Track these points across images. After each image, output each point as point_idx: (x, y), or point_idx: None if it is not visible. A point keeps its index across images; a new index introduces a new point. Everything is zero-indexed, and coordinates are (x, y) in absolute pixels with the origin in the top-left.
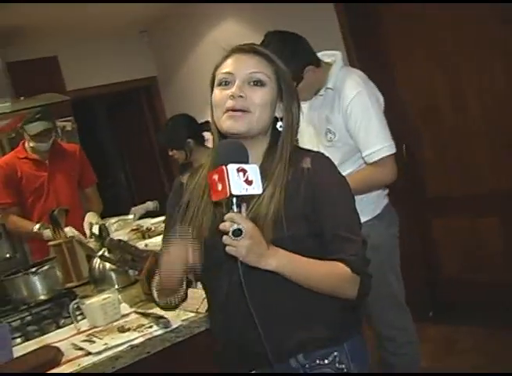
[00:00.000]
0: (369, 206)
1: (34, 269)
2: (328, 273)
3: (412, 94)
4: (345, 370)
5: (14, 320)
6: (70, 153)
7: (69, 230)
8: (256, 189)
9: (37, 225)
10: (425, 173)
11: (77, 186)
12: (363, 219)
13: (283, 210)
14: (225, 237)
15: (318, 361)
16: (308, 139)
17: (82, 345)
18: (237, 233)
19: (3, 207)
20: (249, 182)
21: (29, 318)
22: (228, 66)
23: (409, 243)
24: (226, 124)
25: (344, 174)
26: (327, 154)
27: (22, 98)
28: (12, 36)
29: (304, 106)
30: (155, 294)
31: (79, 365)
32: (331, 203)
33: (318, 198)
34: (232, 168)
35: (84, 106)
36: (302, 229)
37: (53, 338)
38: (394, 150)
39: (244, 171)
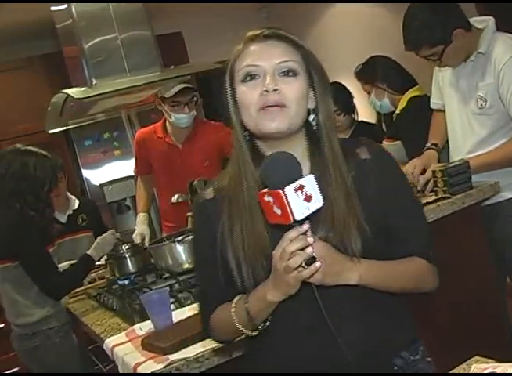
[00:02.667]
0: None
1: (180, 238)
2: (408, 272)
3: None
4: (431, 363)
5: (162, 287)
6: (212, 131)
7: None
8: (318, 202)
9: (176, 196)
10: None
11: (216, 165)
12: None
13: (361, 212)
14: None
15: (412, 358)
16: (456, 107)
17: None
18: (311, 261)
19: (136, 174)
20: (308, 198)
21: (177, 286)
22: (251, 57)
23: None
24: (264, 123)
25: (495, 144)
26: (477, 123)
27: (172, 67)
28: None
29: (447, 75)
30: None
31: None
32: (400, 197)
33: (386, 194)
34: (289, 190)
35: (205, 81)
36: (373, 228)
37: None
38: None
39: (302, 188)
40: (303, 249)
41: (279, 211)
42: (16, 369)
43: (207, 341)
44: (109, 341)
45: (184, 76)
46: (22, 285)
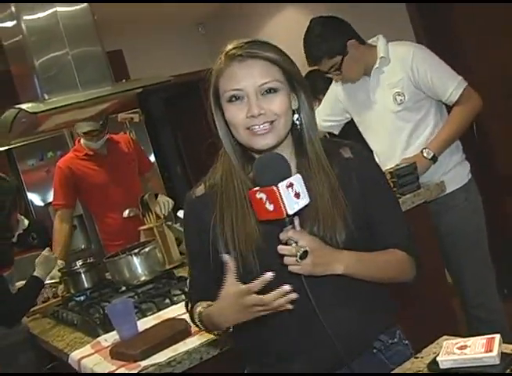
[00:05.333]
0: (464, 171)
1: (136, 251)
2: (389, 262)
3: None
4: (408, 345)
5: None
6: (123, 142)
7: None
8: (305, 199)
9: (127, 211)
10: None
11: (137, 172)
12: (461, 184)
13: (346, 206)
14: (289, 260)
15: (390, 341)
16: (374, 117)
17: None
18: (304, 255)
19: (56, 207)
20: (297, 195)
21: (136, 297)
22: (233, 80)
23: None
24: (255, 144)
25: (425, 133)
26: (401, 121)
27: (123, 81)
28: None
29: (345, 92)
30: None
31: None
32: (379, 193)
33: (368, 189)
34: (282, 186)
35: (145, 99)
36: (357, 221)
37: (170, 313)
38: (466, 82)
39: (292, 185)
40: (296, 242)
41: (271, 207)
42: None
43: (177, 345)
44: (75, 355)
45: (135, 89)
46: None
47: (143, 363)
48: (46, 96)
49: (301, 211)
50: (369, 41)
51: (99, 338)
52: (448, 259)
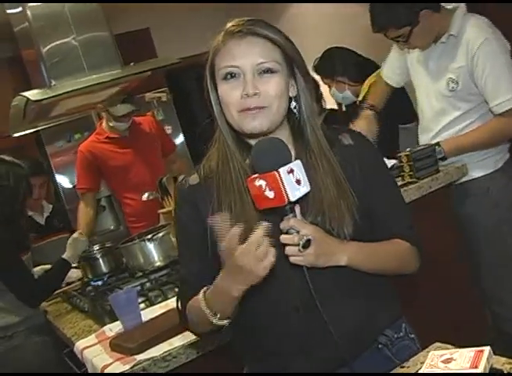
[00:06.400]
0: (491, 158)
1: (149, 236)
2: (393, 253)
3: None
4: (415, 339)
5: (134, 286)
6: (146, 123)
7: None
8: (305, 187)
9: (146, 194)
10: None
11: (161, 154)
12: (484, 172)
13: (353, 197)
14: (291, 250)
15: (396, 335)
16: (425, 88)
17: None
18: (307, 244)
19: (79, 191)
20: (298, 182)
21: (148, 284)
22: (230, 56)
23: None
24: (245, 125)
25: (464, 124)
26: (448, 104)
27: (132, 64)
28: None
29: (415, 55)
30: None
31: None
32: (382, 182)
33: (370, 178)
34: (284, 172)
35: (176, 77)
36: (361, 212)
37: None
38: None
39: (293, 171)
40: (298, 232)
41: (271, 194)
42: None
43: (175, 339)
44: (79, 344)
45: (144, 72)
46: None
47: (139, 357)
48: (53, 82)
49: (301, 199)
50: (447, 4)
51: (104, 328)
52: (467, 250)
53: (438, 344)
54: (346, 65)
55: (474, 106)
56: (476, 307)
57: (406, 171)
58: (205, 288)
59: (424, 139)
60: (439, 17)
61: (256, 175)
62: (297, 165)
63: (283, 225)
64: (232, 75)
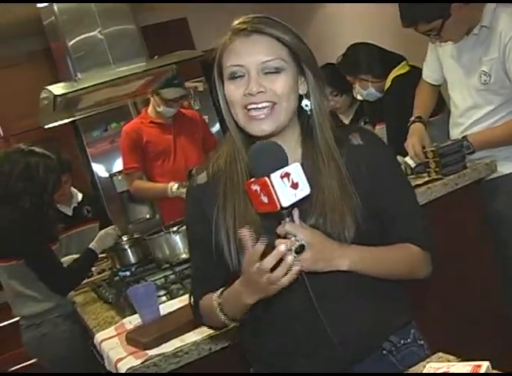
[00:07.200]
0: None
1: (175, 228)
2: (401, 258)
3: None
4: (424, 346)
5: (158, 278)
6: (191, 118)
7: None
8: (304, 190)
9: (176, 186)
10: None
11: (201, 148)
12: None
13: (356, 200)
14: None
15: (402, 341)
16: (458, 82)
17: None
18: (300, 249)
19: (129, 171)
20: (295, 186)
21: (172, 276)
22: (235, 55)
23: None
24: (250, 127)
25: (496, 118)
26: (481, 98)
27: (156, 57)
28: None
29: (447, 49)
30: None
31: None
32: (392, 183)
33: (380, 179)
34: (276, 177)
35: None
36: (366, 214)
37: None
38: None
39: (288, 175)
40: (286, 237)
41: (265, 199)
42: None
43: (188, 335)
44: (99, 336)
45: (169, 65)
46: (29, 281)
47: (151, 352)
48: (79, 76)
49: (301, 202)
50: None
51: (123, 320)
52: (496, 250)
53: (440, 354)
54: (370, 63)
55: (507, 100)
56: (499, 315)
57: (432, 168)
58: (222, 289)
59: (455, 133)
60: (471, 9)
61: (253, 179)
62: (294, 168)
63: (280, 230)
64: (238, 74)
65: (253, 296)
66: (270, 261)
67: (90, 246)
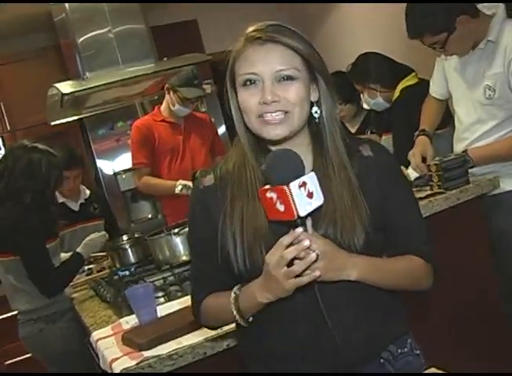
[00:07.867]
0: None
1: (176, 230)
2: (404, 269)
3: None
4: (420, 355)
5: (157, 280)
6: (201, 120)
7: None
8: (318, 199)
9: (180, 187)
10: None
11: (209, 151)
12: None
13: (366, 209)
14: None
15: (399, 350)
16: (462, 96)
17: None
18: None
19: (138, 167)
20: (310, 195)
21: (171, 278)
22: (249, 63)
23: None
24: (265, 132)
25: (500, 134)
26: (485, 113)
27: (165, 59)
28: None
29: (452, 63)
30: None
31: None
32: (398, 195)
33: (388, 191)
34: (294, 186)
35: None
36: (374, 225)
37: None
38: None
39: (305, 185)
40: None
41: (281, 208)
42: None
43: (184, 337)
44: (96, 335)
45: (177, 68)
46: (24, 276)
47: (146, 354)
48: (87, 74)
49: (314, 211)
50: (485, 9)
51: (120, 320)
52: (498, 265)
53: (433, 369)
54: (379, 72)
55: (509, 117)
56: (498, 327)
57: (435, 181)
58: (239, 285)
59: (459, 148)
60: (477, 23)
61: (268, 187)
62: (310, 178)
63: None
64: (252, 82)
65: (267, 294)
66: (292, 252)
67: (78, 250)
